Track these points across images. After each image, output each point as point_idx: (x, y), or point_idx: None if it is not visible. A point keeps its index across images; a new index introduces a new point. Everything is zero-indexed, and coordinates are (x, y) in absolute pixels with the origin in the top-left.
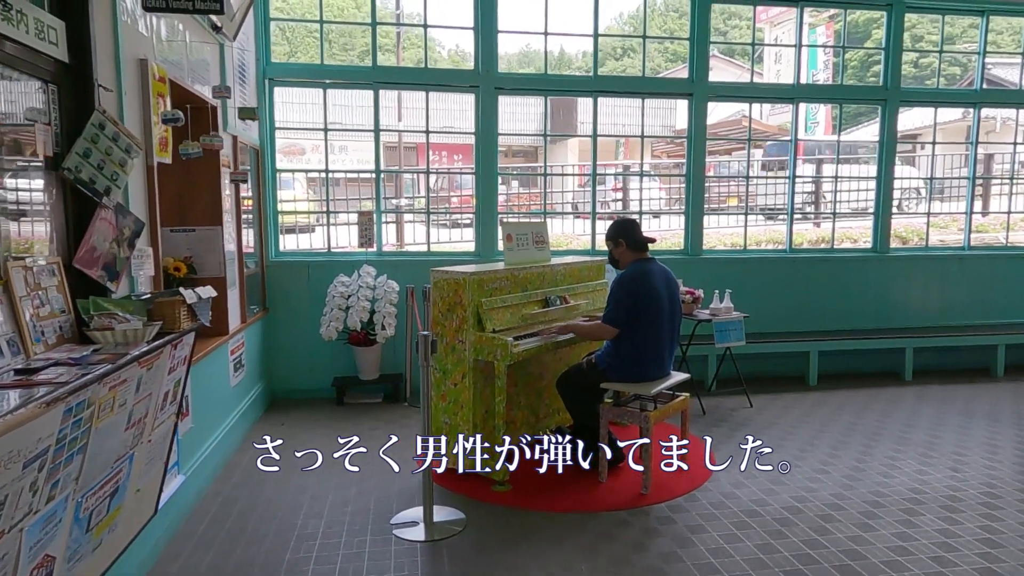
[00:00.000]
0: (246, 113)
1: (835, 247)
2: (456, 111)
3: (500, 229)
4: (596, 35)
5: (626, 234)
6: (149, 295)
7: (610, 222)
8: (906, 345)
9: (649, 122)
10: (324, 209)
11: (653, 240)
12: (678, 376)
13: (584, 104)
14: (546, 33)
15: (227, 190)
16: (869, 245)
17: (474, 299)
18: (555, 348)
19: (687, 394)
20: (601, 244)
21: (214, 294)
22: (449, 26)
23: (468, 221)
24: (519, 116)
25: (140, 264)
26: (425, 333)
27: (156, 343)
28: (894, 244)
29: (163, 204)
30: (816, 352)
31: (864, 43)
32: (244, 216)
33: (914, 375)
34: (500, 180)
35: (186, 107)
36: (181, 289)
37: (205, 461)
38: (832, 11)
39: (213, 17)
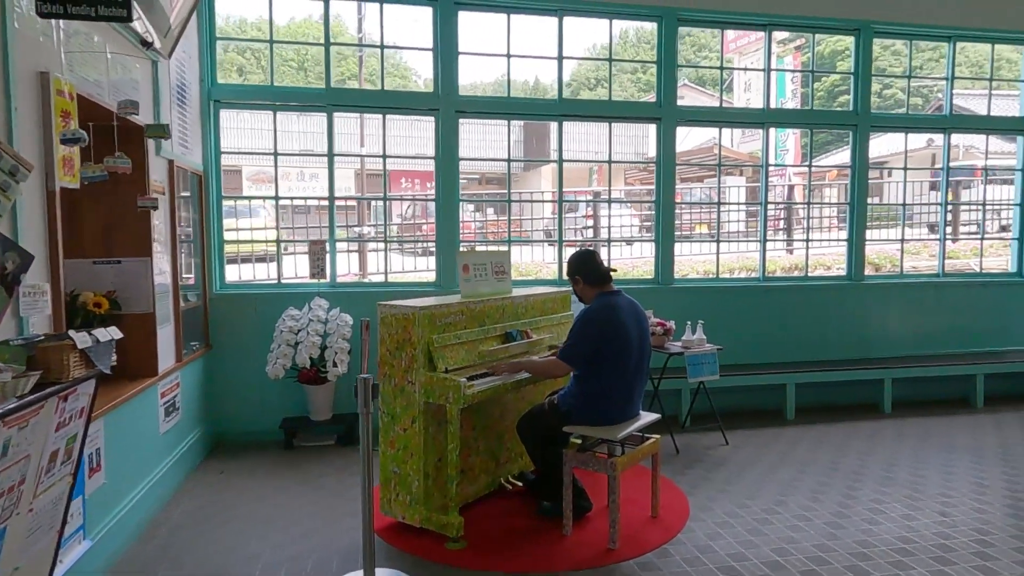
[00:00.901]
0: (155, 131)
1: (809, 275)
2: (427, 137)
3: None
4: (560, 57)
5: (582, 268)
6: (25, 341)
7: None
8: (884, 376)
9: (622, 149)
10: (276, 238)
11: (614, 270)
12: (648, 417)
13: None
14: (508, 55)
15: (157, 219)
16: (843, 272)
17: (425, 336)
18: (516, 387)
19: (657, 436)
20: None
21: (118, 335)
22: (407, 47)
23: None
24: (493, 143)
25: (33, 303)
26: (365, 376)
27: (29, 397)
28: (867, 271)
29: (88, 234)
30: (793, 385)
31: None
32: (183, 245)
33: (893, 407)
34: (474, 207)
35: (112, 127)
36: (72, 332)
37: (121, 521)
38: (799, 41)
39: (142, 32)
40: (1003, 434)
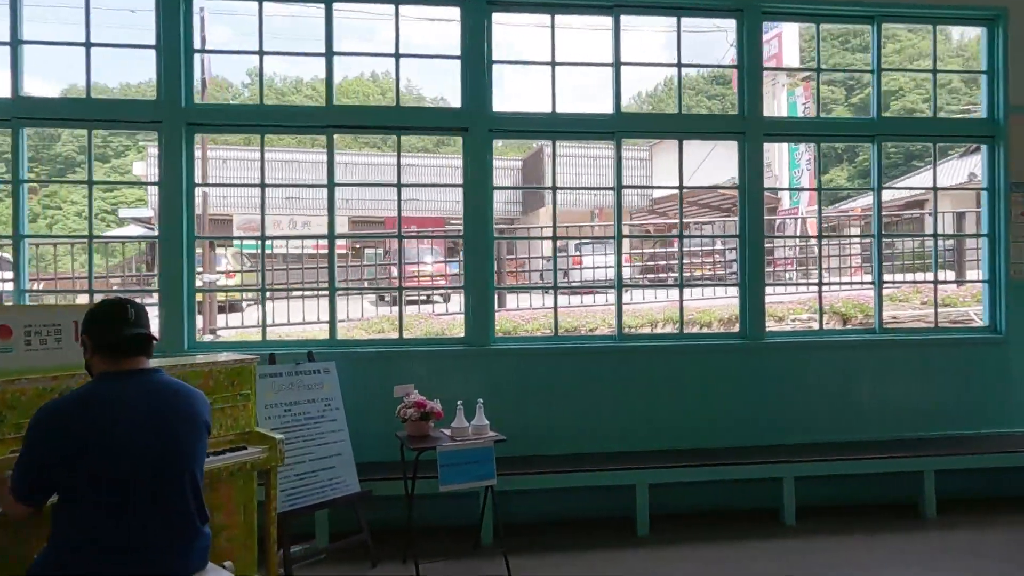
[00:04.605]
0: None
1: (685, 331)
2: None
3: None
4: (618, 63)
5: (91, 329)
6: None
7: (568, 296)
8: (784, 474)
9: (629, 175)
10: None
11: (149, 339)
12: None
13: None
14: (553, 63)
15: None
16: (737, 328)
17: None
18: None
19: None
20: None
21: None
22: (429, 55)
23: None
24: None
25: None
26: None
27: None
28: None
29: None
30: (645, 487)
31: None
32: None
33: (801, 516)
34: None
35: None
36: None
37: None
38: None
39: None
40: (963, 562)
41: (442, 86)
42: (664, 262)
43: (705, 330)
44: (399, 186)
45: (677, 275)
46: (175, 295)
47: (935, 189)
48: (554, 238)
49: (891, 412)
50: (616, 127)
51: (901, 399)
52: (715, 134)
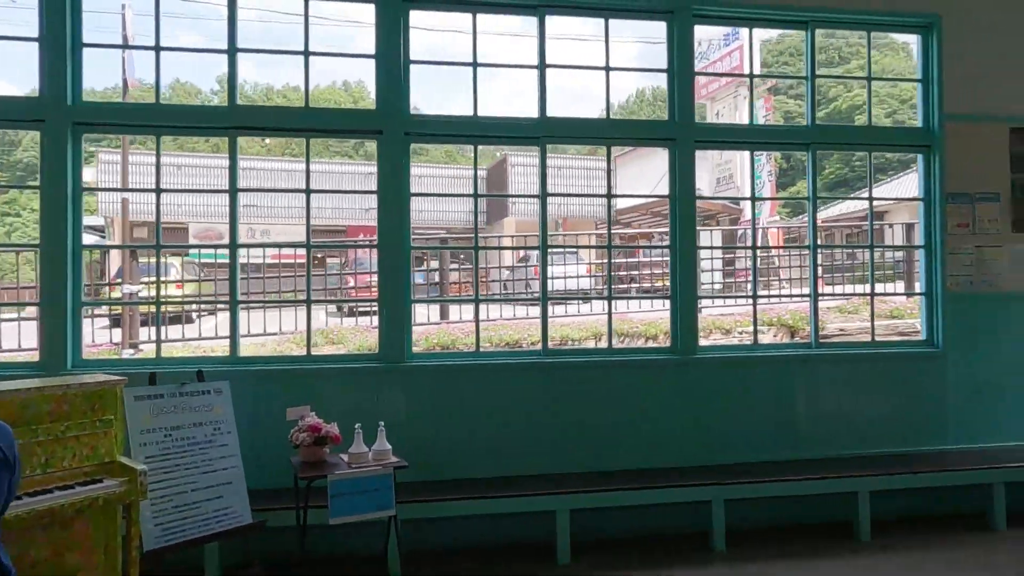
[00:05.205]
0: None
1: (614, 346)
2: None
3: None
4: (543, 65)
5: None
6: None
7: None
8: (713, 496)
9: (587, 184)
10: None
11: None
12: None
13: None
14: (475, 64)
15: None
16: (669, 343)
17: None
18: None
19: None
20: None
21: None
22: (342, 54)
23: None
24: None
25: None
26: None
27: None
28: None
29: None
30: (567, 513)
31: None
32: None
33: (732, 539)
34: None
35: None
36: None
37: None
38: (770, 83)
39: None
40: None
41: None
42: (624, 272)
43: (651, 343)
44: (308, 192)
45: (610, 287)
46: (56, 309)
47: (870, 199)
48: (475, 248)
49: (828, 429)
50: (541, 132)
51: (838, 416)
52: (645, 140)
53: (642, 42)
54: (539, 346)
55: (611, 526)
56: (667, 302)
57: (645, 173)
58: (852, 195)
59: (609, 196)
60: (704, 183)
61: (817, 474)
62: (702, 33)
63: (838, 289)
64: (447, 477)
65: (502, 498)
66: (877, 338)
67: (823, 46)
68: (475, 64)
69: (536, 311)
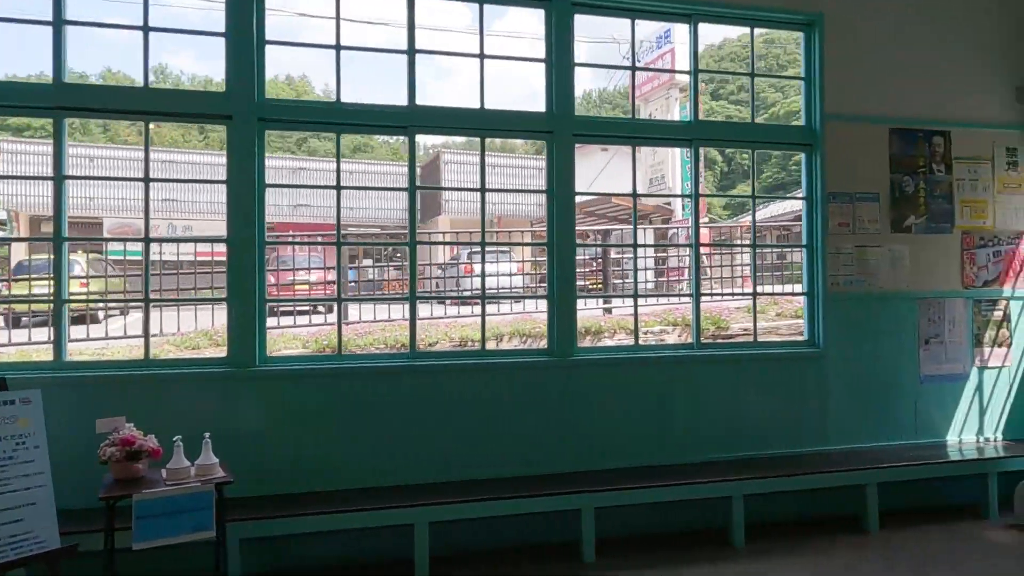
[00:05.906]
0: None
1: (487, 348)
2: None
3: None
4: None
5: None
6: None
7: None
8: (583, 504)
9: (528, 181)
10: None
11: None
12: None
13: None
14: (338, 47)
15: None
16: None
17: None
18: None
19: None
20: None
21: None
22: (178, 30)
23: None
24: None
25: None
26: None
27: None
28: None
29: None
30: (425, 526)
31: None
32: None
33: (602, 549)
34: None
35: None
36: None
37: None
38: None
39: None
40: None
41: (383, 86)
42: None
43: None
44: (147, 181)
45: (482, 288)
46: None
47: (753, 197)
48: (337, 244)
49: (708, 432)
50: (410, 121)
51: (718, 418)
52: (521, 132)
53: (593, 42)
54: (443, 347)
55: (473, 539)
56: (586, 302)
57: (580, 172)
58: (732, 193)
59: (483, 190)
60: (640, 184)
61: (693, 478)
62: (624, 35)
63: (768, 289)
64: (300, 490)
65: (358, 512)
66: (779, 338)
67: (763, 53)
68: (338, 47)
69: (467, 310)
